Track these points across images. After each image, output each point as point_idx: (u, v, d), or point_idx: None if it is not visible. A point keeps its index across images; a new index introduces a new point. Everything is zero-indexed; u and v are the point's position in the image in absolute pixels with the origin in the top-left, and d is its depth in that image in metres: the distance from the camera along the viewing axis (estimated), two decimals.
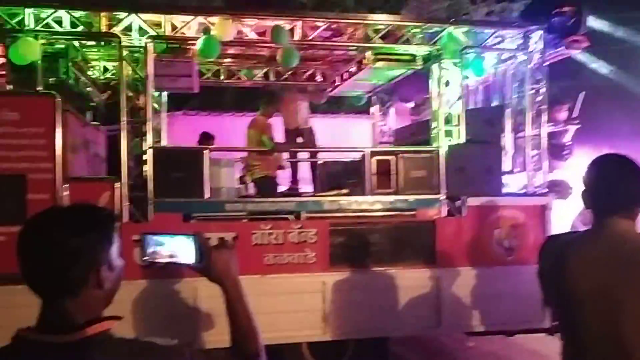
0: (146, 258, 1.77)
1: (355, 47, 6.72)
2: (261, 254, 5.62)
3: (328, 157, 8.33)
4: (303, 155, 8.48)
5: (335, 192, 6.57)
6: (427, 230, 6.03)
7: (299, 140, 8.01)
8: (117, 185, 5.39)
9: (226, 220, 5.72)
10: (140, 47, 5.78)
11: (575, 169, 7.89)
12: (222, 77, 8.35)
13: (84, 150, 5.99)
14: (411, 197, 6.10)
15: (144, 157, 5.63)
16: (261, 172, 6.98)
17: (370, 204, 6.06)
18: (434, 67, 6.45)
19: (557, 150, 7.88)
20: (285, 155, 7.93)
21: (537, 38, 6.61)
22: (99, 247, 1.55)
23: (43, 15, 5.60)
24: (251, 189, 7.31)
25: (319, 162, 8.13)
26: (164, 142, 7.34)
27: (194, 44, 6.00)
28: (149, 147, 5.61)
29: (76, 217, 1.56)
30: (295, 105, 8.24)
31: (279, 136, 7.67)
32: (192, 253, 1.76)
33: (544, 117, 6.62)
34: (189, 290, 5.30)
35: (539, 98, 6.67)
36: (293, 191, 7.60)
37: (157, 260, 1.78)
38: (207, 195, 5.69)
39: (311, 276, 5.66)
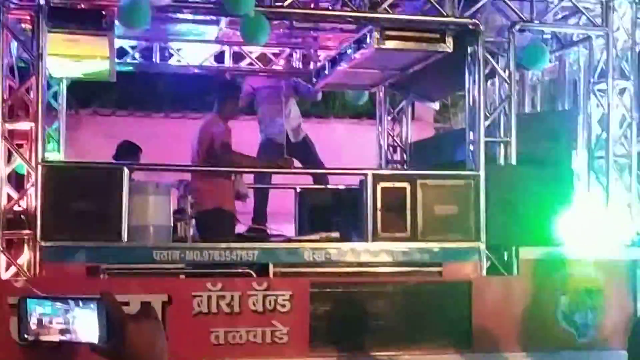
0: (27, 335, 1.74)
1: (353, 18, 6.78)
2: (206, 329, 5.57)
3: (310, 182, 8.33)
4: (278, 179, 8.48)
5: (320, 235, 6.54)
6: (459, 295, 6.03)
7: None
8: None
9: (154, 275, 5.69)
10: (31, 7, 5.76)
11: None
12: (154, 59, 8.35)
13: None
14: (435, 246, 6.10)
15: (30, 177, 5.58)
16: (209, 203, 6.93)
17: (373, 254, 6.05)
18: (472, 51, 6.52)
19: None
20: (249, 178, 7.91)
21: (625, 9, 6.72)
22: None
23: None
24: (194, 228, 7.26)
25: (298, 190, 8.11)
26: (61, 156, 7.34)
27: (111, 8, 6.00)
28: (38, 163, 5.56)
29: None
30: (280, 105, 8.31)
31: (249, 149, 7.67)
32: (95, 327, 1.72)
33: (634, 129, 6.69)
34: None
35: (626, 100, 6.75)
36: (257, 232, 7.56)
37: (42, 339, 1.74)
38: (125, 237, 5.65)
39: None
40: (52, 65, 6.38)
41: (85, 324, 1.73)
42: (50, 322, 1.73)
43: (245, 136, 8.02)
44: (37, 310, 1.73)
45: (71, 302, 1.74)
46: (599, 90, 6.88)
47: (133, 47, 8.24)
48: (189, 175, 7.35)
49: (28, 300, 1.74)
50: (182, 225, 7.36)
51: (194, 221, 7.10)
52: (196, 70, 8.63)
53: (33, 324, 1.73)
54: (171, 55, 8.46)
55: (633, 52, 6.78)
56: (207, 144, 6.84)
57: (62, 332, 1.73)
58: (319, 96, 9.02)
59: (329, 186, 7.94)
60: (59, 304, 1.74)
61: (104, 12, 6.10)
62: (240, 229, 7.51)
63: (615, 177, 6.69)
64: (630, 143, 6.73)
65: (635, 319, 2.35)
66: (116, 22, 6.04)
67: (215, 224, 6.84)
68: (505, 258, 6.23)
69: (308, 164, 8.07)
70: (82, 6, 6.01)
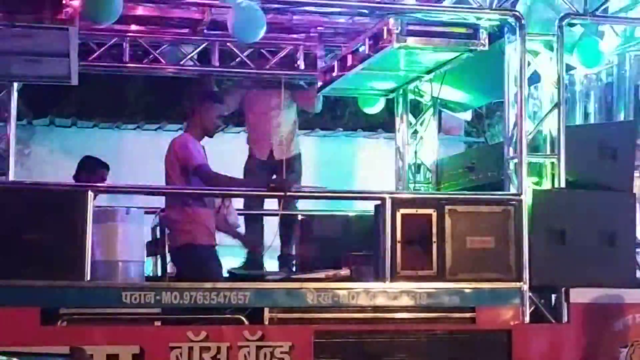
0: None
1: (369, 9, 6.82)
2: None
3: (314, 208, 8.34)
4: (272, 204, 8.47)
5: (326, 273, 6.53)
6: (497, 347, 6.04)
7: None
8: None
9: (124, 322, 5.69)
10: None
11: None
12: (124, 59, 8.38)
13: None
14: (468, 287, 6.11)
15: None
16: (182, 237, 6.88)
17: (392, 297, 6.04)
18: (511, 49, 6.55)
19: None
20: (238, 204, 7.89)
21: None
22: None
23: None
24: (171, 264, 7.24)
25: (299, 218, 8.10)
26: (11, 176, 7.35)
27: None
28: None
29: None
30: (270, 114, 8.33)
31: (235, 170, 7.67)
32: None
33: None
34: None
35: None
36: (250, 270, 7.54)
37: None
38: (88, 275, 5.65)
39: None
40: (1, 65, 6.40)
41: None
42: None
43: (230, 153, 8.03)
44: None
45: None
46: None
47: (100, 45, 8.27)
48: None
49: None
50: (158, 261, 7.36)
51: (169, 257, 7.09)
52: (175, 73, 8.67)
53: None
54: (146, 54, 8.50)
55: None
56: (178, 168, 6.77)
57: None
58: (319, 107, 9.01)
59: (337, 212, 7.94)
60: None
61: (64, 2, 6.14)
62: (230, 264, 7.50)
63: None
64: None
65: None
66: (80, 13, 6.07)
67: (188, 263, 6.79)
68: (553, 302, 6.23)
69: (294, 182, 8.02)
70: None
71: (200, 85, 8.44)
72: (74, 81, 7.16)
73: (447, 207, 6.20)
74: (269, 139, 8.33)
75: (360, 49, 7.35)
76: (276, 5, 6.76)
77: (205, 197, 6.82)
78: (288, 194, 7.17)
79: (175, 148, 6.84)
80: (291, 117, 8.57)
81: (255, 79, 8.67)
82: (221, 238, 7.15)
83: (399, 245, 6.09)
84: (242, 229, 7.71)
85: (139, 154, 8.61)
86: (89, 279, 5.66)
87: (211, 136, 7.05)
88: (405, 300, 6.06)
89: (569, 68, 6.87)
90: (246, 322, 5.80)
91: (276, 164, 8.23)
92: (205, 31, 7.89)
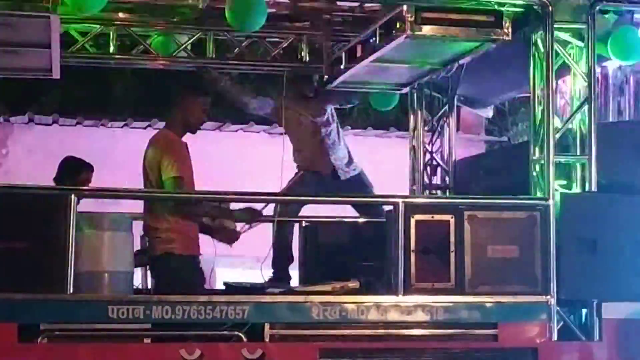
0: None
1: None
2: None
3: (320, 214, 8.34)
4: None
5: (333, 285, 6.53)
6: None
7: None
8: None
9: (110, 339, 5.69)
10: None
11: None
12: (110, 51, 8.40)
13: None
14: (489, 301, 6.11)
15: None
16: (158, 247, 6.87)
17: (406, 311, 6.05)
18: (538, 39, 6.57)
19: None
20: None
21: None
22: None
23: None
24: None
25: (302, 225, 8.12)
26: None
27: None
28: None
29: None
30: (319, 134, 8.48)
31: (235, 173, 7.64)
32: None
33: None
34: None
35: None
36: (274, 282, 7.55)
37: None
38: (71, 288, 5.64)
39: None
40: None
41: None
42: None
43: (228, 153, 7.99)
44: None
45: None
46: None
47: (84, 34, 8.28)
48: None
49: None
50: (147, 272, 7.37)
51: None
52: (167, 65, 8.70)
53: None
54: (134, 44, 8.51)
55: None
56: (156, 175, 6.76)
57: None
58: (355, 99, 9.10)
59: (345, 219, 7.96)
60: None
61: None
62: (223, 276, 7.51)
63: None
64: None
65: None
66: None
67: (165, 274, 6.79)
68: (584, 317, 6.24)
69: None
70: None
71: (200, 80, 8.41)
72: (56, 74, 7.20)
73: (466, 213, 6.20)
74: (327, 157, 8.43)
75: (371, 40, 7.38)
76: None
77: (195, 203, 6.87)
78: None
79: (158, 143, 6.82)
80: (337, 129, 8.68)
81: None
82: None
83: (413, 255, 6.10)
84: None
85: (126, 153, 8.59)
86: (72, 291, 5.66)
87: (194, 132, 7.03)
88: (420, 316, 6.06)
89: (602, 60, 6.86)
90: (245, 339, 5.80)
91: (341, 184, 8.34)
92: (200, 19, 7.90)
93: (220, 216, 7.10)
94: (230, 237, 7.17)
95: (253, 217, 7.11)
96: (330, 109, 8.64)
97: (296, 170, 8.42)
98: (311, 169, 8.40)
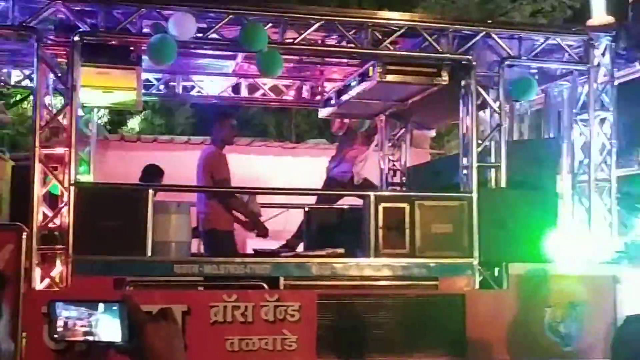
0: (56, 336, 1.73)
1: (358, 54, 6.79)
2: (222, 336, 5.53)
3: (317, 202, 8.30)
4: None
5: (326, 251, 6.51)
6: (454, 307, 5.99)
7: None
8: (24, 235, 5.31)
9: (175, 287, 5.66)
10: (66, 45, 5.78)
11: None
12: (177, 90, 8.38)
13: None
14: (432, 261, 6.07)
15: (64, 197, 5.58)
16: (206, 225, 6.91)
17: (376, 269, 6.01)
18: (466, 84, 6.52)
19: (631, 202, 7.91)
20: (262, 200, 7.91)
21: (604, 47, 6.73)
22: None
23: None
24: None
25: (306, 210, 8.09)
26: (92, 178, 7.34)
27: (141, 45, 6.02)
28: (71, 184, 5.56)
29: None
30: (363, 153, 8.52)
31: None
32: (116, 328, 1.70)
33: (614, 156, 6.68)
34: None
35: (606, 130, 6.74)
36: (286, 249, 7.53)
37: (68, 339, 1.73)
38: (149, 252, 5.63)
39: None
40: (84, 96, 6.39)
41: (107, 325, 1.71)
42: (75, 325, 1.72)
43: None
44: (64, 313, 1.73)
45: (95, 306, 1.74)
46: (581, 120, 6.89)
47: (158, 80, 8.26)
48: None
49: (56, 303, 1.73)
50: (199, 242, 7.36)
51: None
52: (215, 101, 8.67)
53: (60, 326, 1.72)
54: (192, 87, 8.49)
55: (612, 86, 6.79)
56: (208, 177, 6.83)
57: (86, 334, 1.72)
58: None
59: (334, 206, 7.93)
60: (83, 308, 1.73)
61: (132, 48, 6.14)
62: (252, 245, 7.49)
63: (597, 199, 6.67)
64: (610, 168, 6.72)
65: (617, 329, 2.34)
66: (143, 57, 6.07)
67: (211, 243, 6.83)
68: (496, 273, 6.19)
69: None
70: (113, 43, 6.05)
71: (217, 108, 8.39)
72: (139, 107, 7.16)
73: (416, 202, 6.17)
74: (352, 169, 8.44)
75: (352, 84, 7.35)
76: (289, 57, 6.75)
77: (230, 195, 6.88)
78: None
79: (206, 158, 6.85)
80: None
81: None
82: None
83: (380, 230, 6.06)
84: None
85: (187, 161, 8.57)
86: (149, 255, 5.66)
87: (230, 144, 7.13)
88: (386, 272, 6.04)
89: (509, 97, 6.84)
90: (266, 288, 5.79)
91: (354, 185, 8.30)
92: (235, 70, 7.87)
93: (244, 207, 7.12)
94: (262, 231, 7.18)
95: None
96: None
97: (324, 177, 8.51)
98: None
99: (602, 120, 6.78)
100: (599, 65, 6.78)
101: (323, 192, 8.28)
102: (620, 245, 6.67)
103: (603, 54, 6.76)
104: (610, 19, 6.83)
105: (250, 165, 9.97)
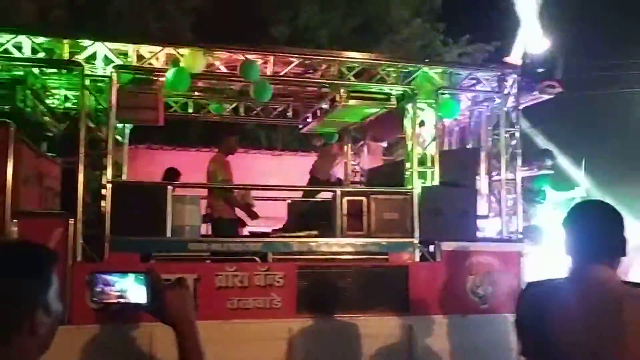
0: (95, 299, 1.72)
1: (328, 84, 6.79)
2: (225, 298, 5.51)
3: (298, 196, 8.29)
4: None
5: (304, 233, 6.50)
6: (400, 275, 5.99)
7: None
8: (71, 221, 5.24)
9: (188, 260, 5.61)
10: (105, 76, 5.72)
11: (549, 214, 8.03)
12: (189, 111, 8.32)
13: (37, 183, 5.82)
14: (383, 241, 6.07)
15: (102, 192, 5.50)
16: (214, 213, 6.88)
17: (341, 246, 6.01)
18: (409, 107, 6.53)
19: (531, 195, 8.01)
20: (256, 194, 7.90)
21: (512, 80, 6.79)
22: (35, 289, 1.47)
23: (2, 40, 5.51)
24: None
25: (288, 202, 8.07)
26: (124, 177, 7.26)
27: (161, 75, 5.97)
28: (108, 182, 5.49)
29: (9, 257, 1.48)
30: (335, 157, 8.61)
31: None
32: (142, 293, 1.71)
33: (519, 161, 6.75)
34: (144, 335, 5.12)
35: (514, 142, 6.81)
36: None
37: (105, 301, 1.73)
38: (169, 233, 5.58)
39: (277, 322, 5.55)
40: (118, 113, 6.32)
41: (135, 291, 1.74)
42: (110, 290, 1.75)
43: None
44: (102, 281, 1.75)
45: (125, 276, 1.75)
46: (495, 134, 6.98)
47: (175, 102, 8.20)
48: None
49: (96, 274, 1.75)
50: (208, 226, 7.33)
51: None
52: (219, 119, 8.62)
53: (98, 291, 1.74)
54: (202, 107, 8.43)
55: (517, 110, 6.86)
56: (213, 176, 6.81)
57: (119, 297, 1.74)
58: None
59: (311, 199, 7.92)
60: (117, 277, 1.73)
61: (155, 78, 6.08)
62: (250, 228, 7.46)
63: (506, 192, 6.73)
64: (515, 170, 6.78)
65: (521, 291, 2.38)
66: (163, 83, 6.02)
67: (218, 229, 6.80)
68: (431, 249, 6.22)
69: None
70: (141, 73, 5.99)
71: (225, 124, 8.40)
72: (161, 123, 7.07)
73: (372, 196, 6.18)
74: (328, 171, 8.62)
75: (324, 107, 7.36)
76: (276, 86, 6.72)
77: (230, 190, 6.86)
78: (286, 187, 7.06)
79: (214, 163, 6.82)
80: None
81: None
82: None
83: (345, 217, 6.07)
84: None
85: (198, 165, 8.53)
86: (169, 235, 5.61)
87: (233, 154, 7.09)
88: (349, 249, 6.05)
89: (441, 117, 6.88)
90: (259, 261, 5.76)
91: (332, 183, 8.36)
92: (236, 95, 7.84)
93: (242, 203, 7.11)
94: (254, 217, 7.15)
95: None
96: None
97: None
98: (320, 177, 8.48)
99: (511, 135, 6.85)
100: (508, 94, 6.85)
101: (300, 188, 8.25)
102: (523, 228, 6.73)
103: (512, 86, 6.83)
104: (518, 60, 6.91)
105: (247, 168, 9.91)
